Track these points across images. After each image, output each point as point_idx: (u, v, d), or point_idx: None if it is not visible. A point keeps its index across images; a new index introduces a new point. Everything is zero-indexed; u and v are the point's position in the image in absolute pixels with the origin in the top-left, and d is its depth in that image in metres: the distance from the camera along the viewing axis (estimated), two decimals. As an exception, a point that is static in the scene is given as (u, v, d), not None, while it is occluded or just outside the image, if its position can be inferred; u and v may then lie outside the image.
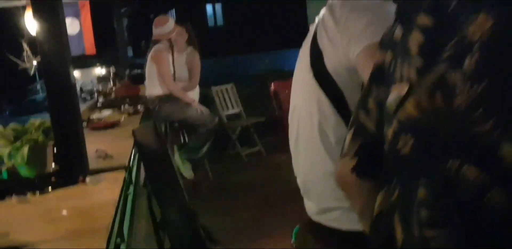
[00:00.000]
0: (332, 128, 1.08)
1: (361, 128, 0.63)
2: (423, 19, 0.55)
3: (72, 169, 1.71)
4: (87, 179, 1.68)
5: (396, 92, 0.55)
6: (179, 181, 2.34)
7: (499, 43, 0.45)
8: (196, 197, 3.75)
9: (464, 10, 0.50)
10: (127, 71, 5.15)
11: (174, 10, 20.95)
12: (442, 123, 0.48)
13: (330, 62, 1.07)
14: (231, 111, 5.50)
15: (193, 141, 3.87)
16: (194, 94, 4.16)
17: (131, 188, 2.37)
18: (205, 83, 5.31)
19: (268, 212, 3.45)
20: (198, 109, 3.79)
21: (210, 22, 21.03)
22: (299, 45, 1.23)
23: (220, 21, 21.19)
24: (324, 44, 1.09)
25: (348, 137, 0.65)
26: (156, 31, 3.80)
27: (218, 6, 21.02)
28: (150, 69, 3.73)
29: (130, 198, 2.33)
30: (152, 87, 3.72)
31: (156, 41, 3.80)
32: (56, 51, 1.68)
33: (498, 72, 0.44)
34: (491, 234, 0.44)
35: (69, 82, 1.68)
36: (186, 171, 3.79)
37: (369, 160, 0.62)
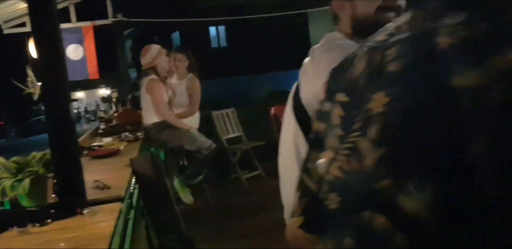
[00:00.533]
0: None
1: (305, 189, 0.71)
2: (341, 97, 0.67)
3: (70, 201, 1.77)
4: (85, 211, 1.75)
5: (324, 158, 0.66)
6: (176, 209, 2.40)
7: (393, 116, 0.56)
8: (196, 223, 3.79)
9: (367, 90, 0.61)
10: (129, 96, 5.25)
11: (178, 32, 21.28)
12: (358, 182, 0.58)
13: (304, 94, 1.20)
14: (231, 135, 5.57)
15: (190, 167, 3.93)
16: (194, 120, 4.24)
17: (132, 213, 2.43)
18: (207, 106, 5.41)
19: (268, 237, 3.47)
20: (194, 136, 3.86)
21: (214, 44, 21.32)
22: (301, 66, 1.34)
23: (223, 43, 21.48)
24: (302, 79, 1.23)
25: (296, 198, 0.73)
26: (142, 61, 3.89)
27: (222, 28, 21.34)
28: (145, 99, 3.79)
29: (130, 222, 2.39)
30: (149, 117, 3.78)
31: (147, 71, 3.88)
32: (55, 84, 1.75)
33: (393, 140, 0.55)
34: None
35: (69, 118, 1.75)
36: (186, 196, 3.84)
37: (314, 217, 0.69)
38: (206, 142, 3.82)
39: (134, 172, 2.41)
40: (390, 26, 0.66)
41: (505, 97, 0.47)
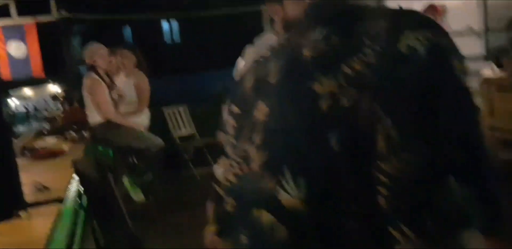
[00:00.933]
0: None
1: (218, 197, 0.74)
2: (234, 108, 0.76)
3: (6, 204, 1.72)
4: (22, 214, 1.70)
5: (222, 166, 0.74)
6: (122, 208, 2.37)
7: (271, 123, 0.64)
8: (147, 220, 3.75)
9: (253, 101, 0.69)
10: (76, 95, 5.11)
11: (129, 27, 20.84)
12: (248, 185, 0.66)
13: None
14: (184, 132, 5.54)
15: (140, 165, 3.88)
16: (144, 117, 4.19)
17: (82, 214, 2.39)
18: (160, 103, 5.34)
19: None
20: (142, 134, 3.81)
21: (167, 39, 21.02)
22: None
23: (177, 38, 21.22)
24: (236, 77, 1.29)
25: (211, 207, 0.76)
26: None
27: (175, 24, 21.05)
28: (87, 99, 3.72)
29: (80, 222, 2.35)
30: (93, 116, 3.70)
31: (88, 70, 3.80)
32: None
33: (273, 145, 0.63)
34: None
35: (1, 119, 1.70)
36: (136, 194, 3.79)
37: (227, 223, 0.73)
38: (154, 140, 3.78)
39: (77, 173, 2.37)
40: (275, 41, 0.76)
41: (352, 100, 0.55)
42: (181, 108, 5.65)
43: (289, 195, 0.58)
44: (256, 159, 0.64)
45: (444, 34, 0.56)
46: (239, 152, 0.69)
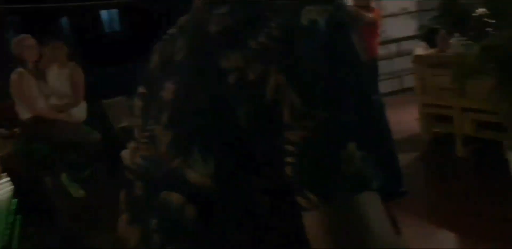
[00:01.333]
0: None
1: (128, 182, 0.71)
2: (141, 89, 0.74)
3: None
4: None
5: (128, 149, 0.70)
6: (56, 206, 2.28)
7: (178, 101, 0.62)
8: (89, 217, 3.65)
9: (161, 79, 0.67)
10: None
11: (66, 17, 20.03)
12: (155, 166, 0.63)
13: None
14: (125, 123, 5.40)
15: (78, 160, 3.76)
16: (80, 110, 4.05)
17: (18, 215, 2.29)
18: (100, 95, 5.16)
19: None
20: (77, 127, 3.69)
21: (107, 29, 20.40)
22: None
23: (117, 27, 20.62)
24: None
25: (122, 194, 0.73)
26: None
27: (115, 12, 20.43)
28: (13, 93, 3.54)
29: (18, 223, 2.26)
30: (23, 111, 3.54)
31: (19, 60, 3.62)
32: None
33: (179, 123, 0.61)
34: (186, 240, 0.60)
35: None
36: (75, 190, 3.67)
37: (137, 209, 0.70)
38: (91, 133, 3.67)
39: (5, 170, 2.26)
40: (181, 19, 0.72)
41: (258, 74, 0.55)
42: (121, 99, 5.50)
43: (198, 173, 0.57)
44: (163, 138, 0.62)
45: (343, 7, 0.58)
46: (146, 133, 0.66)
